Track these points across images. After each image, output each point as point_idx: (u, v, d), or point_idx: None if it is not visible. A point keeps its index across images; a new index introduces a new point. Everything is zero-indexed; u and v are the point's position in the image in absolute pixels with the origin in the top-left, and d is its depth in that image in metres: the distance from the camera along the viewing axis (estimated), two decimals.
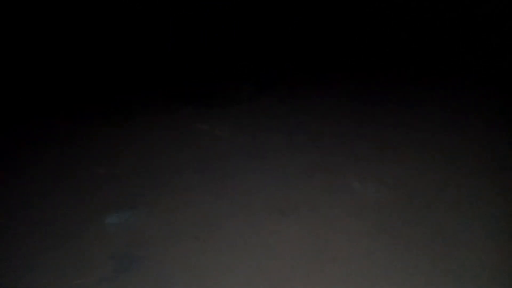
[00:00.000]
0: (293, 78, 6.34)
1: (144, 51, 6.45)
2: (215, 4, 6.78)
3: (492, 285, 2.33)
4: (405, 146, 4.02)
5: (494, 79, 5.73)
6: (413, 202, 3.14)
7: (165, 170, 3.77)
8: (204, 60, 6.56)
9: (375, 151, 3.94)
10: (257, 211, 3.12)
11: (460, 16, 6.60)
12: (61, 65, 6.25)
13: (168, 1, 6.60)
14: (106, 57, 6.38)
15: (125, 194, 3.42)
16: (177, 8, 6.65)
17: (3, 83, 5.70)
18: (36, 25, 6.13)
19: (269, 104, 5.33)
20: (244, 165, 3.80)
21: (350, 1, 7.27)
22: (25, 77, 5.99)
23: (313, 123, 4.65)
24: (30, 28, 6.10)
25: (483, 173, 3.49)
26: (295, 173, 3.62)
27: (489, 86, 5.49)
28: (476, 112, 4.71)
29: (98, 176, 3.72)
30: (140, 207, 3.24)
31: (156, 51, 6.51)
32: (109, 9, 6.42)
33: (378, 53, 6.89)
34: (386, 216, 2.98)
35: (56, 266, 2.60)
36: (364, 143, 4.11)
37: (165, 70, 6.37)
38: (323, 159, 3.86)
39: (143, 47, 6.49)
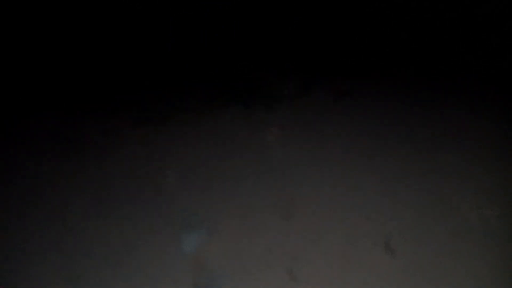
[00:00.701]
0: (339, 72, 5.75)
1: (156, 50, 5.86)
2: None
3: None
4: None
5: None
6: None
7: (217, 183, 3.32)
8: (232, 51, 5.95)
9: None
10: (350, 240, 2.66)
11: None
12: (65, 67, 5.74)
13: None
14: (119, 57, 5.81)
15: (175, 211, 2.99)
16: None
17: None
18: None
19: (321, 102, 4.78)
20: (308, 180, 3.33)
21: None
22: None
23: (379, 127, 4.12)
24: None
25: None
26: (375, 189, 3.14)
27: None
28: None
29: (144, 190, 3.27)
30: (198, 228, 2.80)
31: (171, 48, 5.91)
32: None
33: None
34: None
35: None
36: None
37: (188, 67, 5.78)
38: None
39: (153, 45, 5.88)
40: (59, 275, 2.66)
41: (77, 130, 4.36)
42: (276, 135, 4.03)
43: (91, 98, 4.96)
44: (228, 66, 5.44)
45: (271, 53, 5.61)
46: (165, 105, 4.87)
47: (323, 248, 2.79)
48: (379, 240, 2.83)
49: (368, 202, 3.17)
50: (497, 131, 4.09)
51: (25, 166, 3.78)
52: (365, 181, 3.39)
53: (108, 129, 4.35)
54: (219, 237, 2.83)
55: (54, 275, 2.67)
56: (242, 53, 5.66)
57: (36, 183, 3.57)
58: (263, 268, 2.65)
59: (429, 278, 2.46)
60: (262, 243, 2.81)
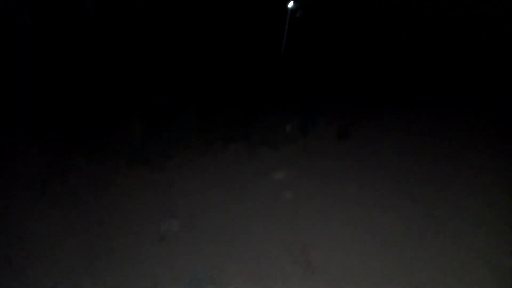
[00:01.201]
0: (339, 107, 5.63)
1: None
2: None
3: None
4: None
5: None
6: None
7: (225, 231, 3.04)
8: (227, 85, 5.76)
9: None
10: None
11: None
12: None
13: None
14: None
15: (186, 264, 2.69)
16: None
17: None
18: None
19: (328, 141, 4.61)
20: (320, 222, 3.08)
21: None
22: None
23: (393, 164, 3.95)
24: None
25: None
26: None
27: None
28: None
29: (144, 240, 2.97)
30: (207, 284, 2.50)
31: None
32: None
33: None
34: None
35: None
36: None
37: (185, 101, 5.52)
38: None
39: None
40: None
41: (69, 170, 4.07)
42: (283, 176, 3.80)
43: (84, 136, 4.69)
44: (229, 104, 5.27)
45: (273, 92, 5.45)
46: (162, 144, 4.62)
47: None
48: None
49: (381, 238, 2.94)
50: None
51: (13, 209, 3.46)
52: (377, 218, 3.17)
53: (102, 170, 4.07)
54: None
55: None
56: (243, 91, 5.50)
57: (25, 225, 3.24)
58: None
59: None
60: None
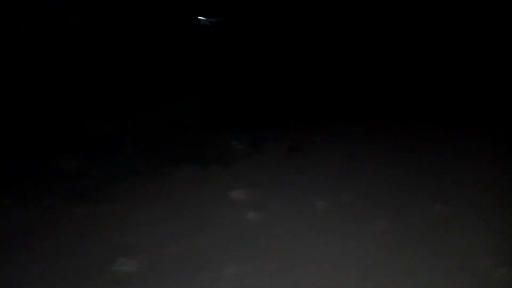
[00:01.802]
0: (283, 121, 5.56)
1: None
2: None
3: None
4: None
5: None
6: None
7: (192, 264, 2.73)
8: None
9: None
10: None
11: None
12: None
13: None
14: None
15: None
16: None
17: None
18: None
19: (277, 156, 4.49)
20: (295, 245, 2.90)
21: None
22: None
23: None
24: None
25: None
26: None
27: None
28: None
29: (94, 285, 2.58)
30: None
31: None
32: None
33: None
34: None
35: None
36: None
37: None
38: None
39: None
40: None
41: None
42: (243, 195, 3.58)
43: (7, 172, 4.10)
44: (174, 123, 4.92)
45: (221, 110, 5.20)
46: (102, 173, 4.15)
47: None
48: None
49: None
50: None
51: None
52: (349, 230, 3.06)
53: (34, 211, 3.54)
54: None
55: None
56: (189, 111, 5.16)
57: None
58: None
59: None
60: None
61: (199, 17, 6.97)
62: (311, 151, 4.67)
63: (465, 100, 6.10)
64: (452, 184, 3.75)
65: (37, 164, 4.32)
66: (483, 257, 2.69)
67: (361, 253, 2.79)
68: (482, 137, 4.92)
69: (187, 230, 3.10)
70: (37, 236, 3.16)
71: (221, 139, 4.80)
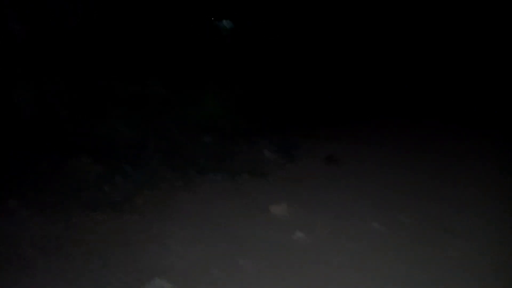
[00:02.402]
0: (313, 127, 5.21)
1: None
2: None
3: None
4: None
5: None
6: None
7: None
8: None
9: None
10: None
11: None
12: None
13: None
14: None
15: None
16: None
17: None
18: None
19: (313, 167, 4.14)
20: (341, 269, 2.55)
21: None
22: None
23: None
24: None
25: None
26: None
27: None
28: None
29: None
30: None
31: None
32: None
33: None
34: None
35: None
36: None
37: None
38: None
39: None
40: None
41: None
42: (281, 213, 3.22)
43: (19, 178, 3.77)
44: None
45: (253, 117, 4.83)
46: (126, 183, 3.81)
47: None
48: None
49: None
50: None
51: None
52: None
53: (49, 223, 3.20)
54: None
55: None
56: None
57: None
58: None
59: None
60: None
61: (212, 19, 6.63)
62: (349, 161, 4.31)
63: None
64: None
65: (54, 168, 4.01)
66: None
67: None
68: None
69: (227, 250, 2.75)
70: (56, 251, 2.83)
71: (252, 146, 4.46)
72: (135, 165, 3.88)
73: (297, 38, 6.26)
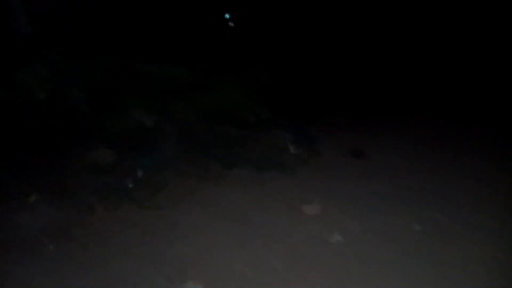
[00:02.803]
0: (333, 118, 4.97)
1: None
2: None
3: None
4: None
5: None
6: None
7: None
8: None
9: None
10: None
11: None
12: None
13: None
14: None
15: None
16: None
17: None
18: None
19: (339, 161, 3.96)
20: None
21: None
22: None
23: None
24: None
25: None
26: None
27: None
28: None
29: None
30: None
31: None
32: None
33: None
34: None
35: None
36: None
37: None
38: None
39: None
40: None
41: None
42: (314, 212, 3.03)
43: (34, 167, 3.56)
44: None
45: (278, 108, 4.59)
46: (142, 172, 3.60)
47: None
48: None
49: None
50: None
51: None
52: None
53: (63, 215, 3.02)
54: None
55: None
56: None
57: None
58: None
59: None
60: None
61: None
62: (376, 156, 4.11)
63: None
64: None
65: (66, 157, 3.79)
66: None
67: None
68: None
69: (261, 254, 2.57)
70: (73, 242, 2.65)
71: (273, 137, 4.24)
72: (148, 155, 3.67)
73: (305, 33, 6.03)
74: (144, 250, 2.62)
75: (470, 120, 5.01)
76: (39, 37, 4.58)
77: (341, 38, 6.02)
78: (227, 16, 6.32)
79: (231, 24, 6.21)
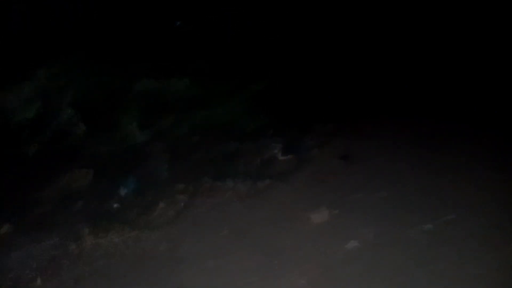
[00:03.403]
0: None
1: None
2: None
3: None
4: None
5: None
6: None
7: None
8: None
9: None
10: None
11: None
12: None
13: None
14: None
15: None
16: None
17: None
18: None
19: (332, 167, 3.83)
20: None
21: None
22: None
23: None
24: None
25: None
26: None
27: None
28: None
29: None
30: None
31: None
32: None
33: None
34: None
35: None
36: None
37: None
38: None
39: None
40: None
41: None
42: (323, 219, 2.89)
43: None
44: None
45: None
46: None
47: None
48: None
49: None
50: None
51: None
52: None
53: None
54: None
55: None
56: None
57: None
58: None
59: None
60: None
61: None
62: (374, 161, 4.03)
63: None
64: None
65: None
66: None
67: None
68: None
69: (277, 267, 2.39)
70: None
71: (261, 147, 4.08)
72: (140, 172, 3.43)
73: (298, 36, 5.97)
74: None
75: (470, 120, 5.02)
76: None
77: (337, 40, 5.98)
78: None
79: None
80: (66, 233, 2.87)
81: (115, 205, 3.22)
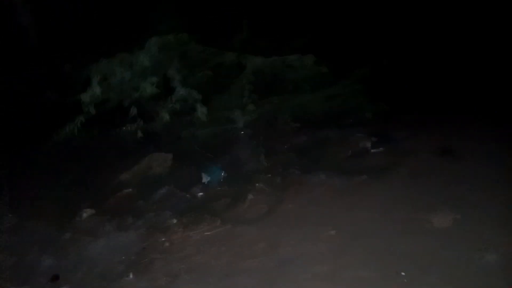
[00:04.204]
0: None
1: None
2: None
3: None
4: None
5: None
6: None
7: None
8: None
9: None
10: None
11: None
12: None
13: None
14: None
15: None
16: None
17: None
18: None
19: (433, 163, 3.39)
20: None
21: None
22: None
23: None
24: None
25: None
26: None
27: None
28: None
29: None
30: None
31: None
32: None
33: None
34: None
35: None
36: None
37: None
38: None
39: None
40: None
41: None
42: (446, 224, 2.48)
43: None
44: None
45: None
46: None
47: None
48: None
49: None
50: None
51: None
52: None
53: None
54: None
55: None
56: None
57: None
58: None
59: None
60: None
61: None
62: (469, 157, 3.54)
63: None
64: None
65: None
66: None
67: None
68: None
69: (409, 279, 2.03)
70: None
71: (350, 138, 3.70)
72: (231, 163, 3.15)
73: None
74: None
75: None
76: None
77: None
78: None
79: None
80: (153, 222, 2.66)
81: (199, 194, 2.99)
